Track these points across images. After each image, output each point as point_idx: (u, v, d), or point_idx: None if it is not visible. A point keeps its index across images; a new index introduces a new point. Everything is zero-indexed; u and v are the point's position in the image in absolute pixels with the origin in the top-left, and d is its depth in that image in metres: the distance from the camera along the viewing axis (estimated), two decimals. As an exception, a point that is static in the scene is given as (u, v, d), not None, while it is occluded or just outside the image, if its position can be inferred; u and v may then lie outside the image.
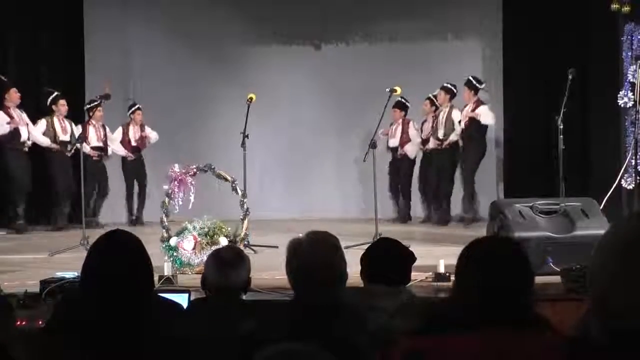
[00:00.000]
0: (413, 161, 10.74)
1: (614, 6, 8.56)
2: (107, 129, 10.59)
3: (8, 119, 9.67)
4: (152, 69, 11.35)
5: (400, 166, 10.75)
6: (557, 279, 5.15)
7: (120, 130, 10.76)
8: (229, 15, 11.33)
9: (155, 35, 11.37)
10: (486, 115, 9.88)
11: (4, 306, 2.66)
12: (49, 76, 10.81)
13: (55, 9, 10.89)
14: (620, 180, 8.31)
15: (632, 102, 8.53)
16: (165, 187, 6.62)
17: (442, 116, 10.22)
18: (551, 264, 5.53)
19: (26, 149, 9.85)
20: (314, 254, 2.60)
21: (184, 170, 6.60)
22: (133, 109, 10.73)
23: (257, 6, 11.31)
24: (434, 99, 10.51)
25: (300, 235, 2.73)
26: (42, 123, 10.06)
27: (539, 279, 5.48)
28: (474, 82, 9.95)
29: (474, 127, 9.85)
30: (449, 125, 10.12)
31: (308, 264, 2.59)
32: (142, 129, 10.79)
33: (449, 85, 10.23)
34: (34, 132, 9.93)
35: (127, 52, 11.47)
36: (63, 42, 11.05)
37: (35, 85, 10.63)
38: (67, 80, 10.92)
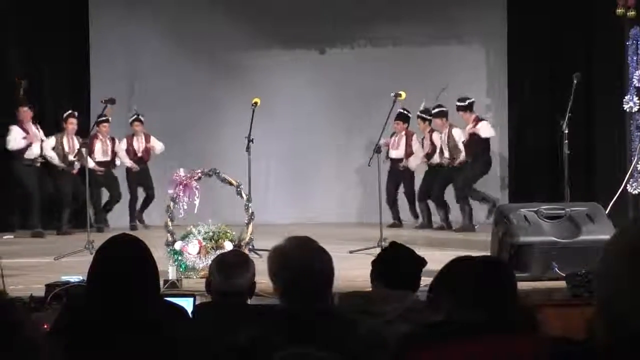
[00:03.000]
0: (413, 172, 10.73)
1: (619, 10, 8.55)
2: (116, 141, 10.65)
3: (24, 134, 9.81)
4: (157, 73, 11.36)
5: (401, 177, 10.71)
6: (562, 284, 5.14)
7: (124, 141, 10.79)
8: (233, 20, 11.35)
9: (160, 40, 11.39)
10: (485, 129, 9.91)
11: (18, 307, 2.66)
12: (54, 81, 10.87)
13: (60, 13, 10.92)
14: (625, 185, 8.30)
15: (638, 107, 8.50)
16: (170, 191, 6.63)
17: (444, 137, 10.22)
18: (556, 269, 5.52)
19: (38, 164, 9.96)
20: (299, 259, 2.57)
21: (188, 175, 6.60)
22: (131, 119, 10.74)
23: (262, 10, 11.32)
24: (423, 115, 10.49)
25: (280, 241, 2.69)
26: (52, 140, 10.16)
27: (544, 284, 5.50)
28: (463, 103, 9.96)
29: (475, 142, 9.87)
30: (453, 144, 10.12)
31: (295, 269, 2.56)
32: (147, 139, 10.80)
33: (438, 110, 10.24)
34: (46, 148, 10.04)
35: (132, 56, 11.49)
36: (68, 45, 11.07)
37: (39, 90, 10.67)
38: (72, 85, 10.98)
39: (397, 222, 10.65)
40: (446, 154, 10.20)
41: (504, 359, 2.05)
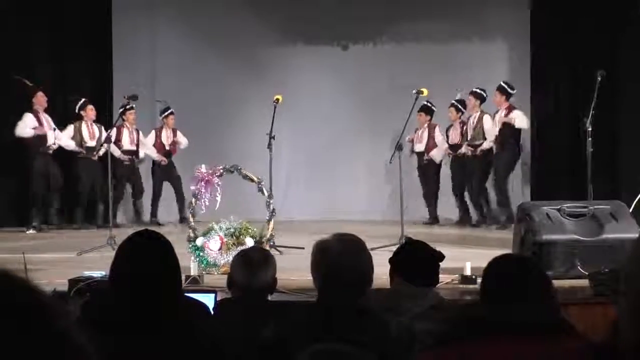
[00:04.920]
0: (439, 165, 10.70)
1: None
2: (140, 133, 10.71)
3: (36, 123, 9.86)
4: (178, 70, 11.42)
5: (426, 171, 10.70)
6: (585, 282, 5.10)
7: (153, 133, 10.85)
8: (255, 16, 11.37)
9: (182, 37, 11.44)
10: (521, 119, 9.80)
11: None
12: (77, 78, 10.96)
13: (83, 12, 10.99)
14: (650, 183, 8.21)
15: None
16: (192, 187, 6.66)
17: (472, 122, 10.15)
18: (579, 267, 5.48)
19: (50, 151, 10.01)
20: (342, 256, 2.60)
21: (210, 171, 6.62)
22: (166, 113, 10.80)
23: (284, 7, 11.33)
24: (458, 104, 10.45)
25: (326, 236, 2.73)
26: (70, 129, 10.23)
27: (566, 282, 5.47)
28: (507, 87, 9.87)
29: (508, 132, 9.77)
30: (480, 131, 10.05)
31: (336, 266, 2.58)
32: (174, 133, 10.85)
33: (478, 90, 10.16)
34: (61, 136, 10.09)
35: (154, 53, 11.55)
36: (91, 44, 11.14)
37: (62, 88, 10.77)
38: (95, 82, 11.05)
39: (434, 220, 10.59)
40: (472, 139, 10.09)
41: (542, 358, 2.04)
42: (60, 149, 10.17)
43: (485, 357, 2.02)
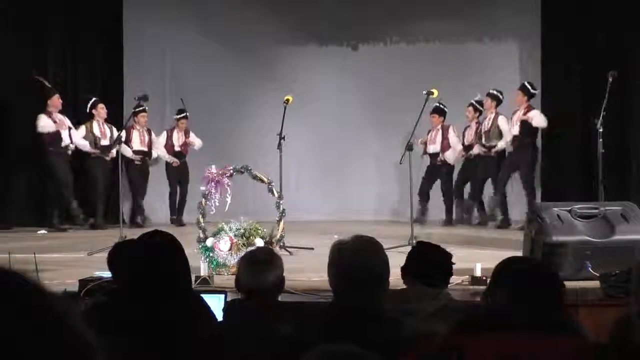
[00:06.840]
0: (452, 166, 10.67)
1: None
2: (153, 134, 10.73)
3: (52, 123, 9.90)
4: (188, 71, 11.44)
5: (439, 172, 10.66)
6: (595, 284, 5.08)
7: (164, 134, 10.87)
8: (266, 17, 11.38)
9: (192, 37, 11.45)
10: (539, 118, 9.75)
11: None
12: (88, 79, 11.00)
13: (95, 12, 11.03)
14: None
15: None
16: (202, 188, 6.66)
17: (488, 123, 10.14)
18: (590, 268, 5.46)
19: (69, 152, 10.07)
20: (356, 257, 2.60)
21: (220, 171, 6.62)
22: (180, 116, 10.81)
23: (293, 7, 11.34)
24: (477, 105, 10.43)
25: (336, 236, 2.74)
26: (82, 129, 10.27)
27: (577, 284, 5.46)
28: (530, 87, 9.84)
29: (526, 132, 9.73)
30: (495, 131, 10.03)
31: (350, 267, 2.58)
32: (186, 135, 10.88)
33: (495, 92, 10.13)
34: (76, 137, 10.14)
35: (165, 54, 11.58)
36: (102, 44, 11.18)
37: (73, 88, 10.82)
38: (105, 83, 11.09)
39: (422, 218, 10.54)
40: (486, 140, 10.09)
41: (543, 356, 2.07)
42: (75, 149, 10.22)
43: (488, 354, 2.04)
